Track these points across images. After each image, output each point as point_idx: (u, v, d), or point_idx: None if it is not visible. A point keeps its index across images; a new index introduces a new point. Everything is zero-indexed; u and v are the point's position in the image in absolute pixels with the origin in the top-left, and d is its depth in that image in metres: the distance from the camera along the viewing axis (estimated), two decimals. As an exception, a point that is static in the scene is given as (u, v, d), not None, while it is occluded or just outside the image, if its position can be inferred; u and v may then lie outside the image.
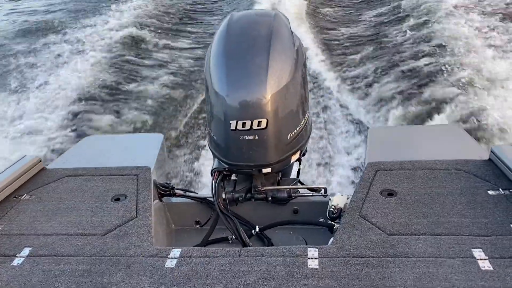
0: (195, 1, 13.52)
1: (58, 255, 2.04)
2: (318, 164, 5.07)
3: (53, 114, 6.79)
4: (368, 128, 5.08)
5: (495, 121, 4.99)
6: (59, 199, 2.49)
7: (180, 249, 2.00)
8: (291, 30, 2.63)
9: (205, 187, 4.24)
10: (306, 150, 2.88)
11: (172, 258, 1.96)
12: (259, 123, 2.38)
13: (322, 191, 2.73)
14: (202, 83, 6.49)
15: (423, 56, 7.76)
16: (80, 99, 7.15)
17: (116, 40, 9.48)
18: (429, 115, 5.88)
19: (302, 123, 2.62)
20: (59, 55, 8.93)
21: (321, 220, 2.58)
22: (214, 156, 2.70)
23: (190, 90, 7.62)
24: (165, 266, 1.91)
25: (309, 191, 2.87)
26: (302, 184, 2.99)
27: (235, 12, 2.76)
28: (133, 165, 2.76)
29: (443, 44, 7.87)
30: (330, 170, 4.97)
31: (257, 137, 2.41)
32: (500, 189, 2.25)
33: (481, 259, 1.80)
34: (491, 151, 2.51)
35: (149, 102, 7.13)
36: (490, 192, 2.23)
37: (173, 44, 10.00)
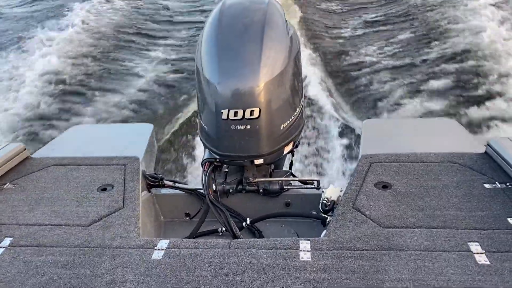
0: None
1: (40, 246, 1.96)
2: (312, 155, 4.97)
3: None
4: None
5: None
6: (43, 189, 2.41)
7: (167, 241, 1.94)
8: (285, 18, 2.56)
9: (195, 179, 4.16)
10: (299, 142, 2.82)
11: (159, 249, 1.89)
12: (251, 113, 2.31)
13: (315, 183, 2.68)
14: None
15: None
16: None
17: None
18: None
19: (295, 113, 2.55)
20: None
21: (314, 212, 2.53)
22: (205, 146, 2.63)
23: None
24: (152, 258, 1.84)
25: (301, 184, 2.82)
26: (294, 176, 2.94)
27: None
28: (121, 155, 2.68)
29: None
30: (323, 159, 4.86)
31: (249, 127, 2.34)
32: (497, 182, 2.20)
33: (477, 253, 1.75)
34: (488, 144, 2.46)
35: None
36: (486, 186, 2.19)
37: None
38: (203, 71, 2.38)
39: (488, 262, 1.70)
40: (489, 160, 2.40)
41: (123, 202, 2.25)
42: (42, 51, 8.56)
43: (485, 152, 2.47)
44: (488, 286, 1.59)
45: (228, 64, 2.32)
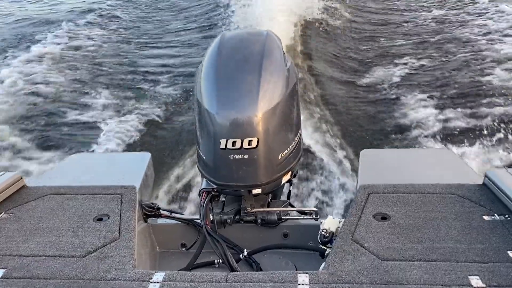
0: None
1: (34, 278, 1.91)
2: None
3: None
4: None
5: None
6: (38, 219, 2.38)
7: (163, 273, 1.90)
8: (283, 50, 2.60)
9: (192, 209, 4.13)
10: (297, 171, 2.81)
11: (154, 282, 1.85)
12: (249, 142, 2.32)
13: (313, 214, 2.66)
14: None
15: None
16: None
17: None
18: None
19: (293, 143, 2.56)
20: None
21: (312, 244, 2.50)
22: (203, 176, 2.62)
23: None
24: None
25: (299, 214, 2.79)
26: (292, 206, 2.92)
27: (226, 31, 2.73)
28: (118, 184, 2.67)
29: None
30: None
31: (247, 156, 2.34)
32: (496, 214, 2.19)
33: (478, 287, 1.72)
34: (485, 176, 2.46)
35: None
36: (485, 217, 2.17)
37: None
38: (202, 101, 2.40)
39: None
40: (487, 192, 2.39)
41: (119, 233, 2.22)
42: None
43: (483, 183, 2.47)
44: None
45: (227, 95, 2.35)
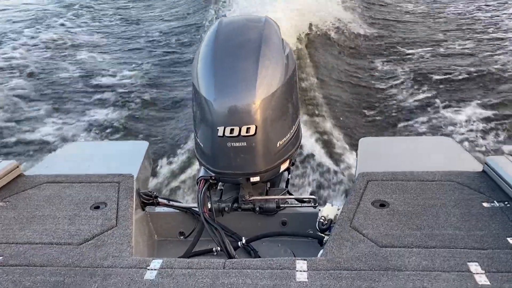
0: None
1: (30, 265, 1.90)
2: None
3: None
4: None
5: None
6: (35, 207, 2.36)
7: (161, 260, 1.89)
8: (281, 36, 2.57)
9: (190, 197, 4.11)
10: (295, 160, 2.80)
11: (152, 269, 1.84)
12: (247, 130, 2.29)
13: (312, 201, 2.65)
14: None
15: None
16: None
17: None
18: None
19: (292, 130, 2.54)
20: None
21: (310, 232, 2.49)
22: (201, 164, 2.60)
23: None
24: (144, 278, 1.79)
25: (298, 202, 2.78)
26: (291, 194, 2.90)
27: (224, 17, 2.69)
28: (115, 172, 2.65)
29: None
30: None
31: (245, 144, 2.32)
32: (495, 201, 2.18)
33: (477, 273, 1.71)
34: (485, 163, 2.45)
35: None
36: (485, 204, 2.16)
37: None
38: (199, 88, 2.37)
39: (488, 283, 1.66)
40: (487, 179, 2.38)
41: (116, 221, 2.21)
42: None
43: (483, 171, 2.45)
44: None
45: (224, 81, 2.32)
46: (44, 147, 5.80)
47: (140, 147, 3.04)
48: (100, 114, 6.76)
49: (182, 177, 4.52)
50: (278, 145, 2.45)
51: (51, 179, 2.62)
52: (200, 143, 2.50)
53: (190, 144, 5.20)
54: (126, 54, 9.77)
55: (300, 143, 2.71)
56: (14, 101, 7.50)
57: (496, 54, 8.56)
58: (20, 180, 2.63)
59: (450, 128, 5.85)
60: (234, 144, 2.32)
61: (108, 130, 6.01)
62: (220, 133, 2.31)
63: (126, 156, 2.95)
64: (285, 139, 2.49)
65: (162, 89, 7.79)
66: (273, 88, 2.33)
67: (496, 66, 7.97)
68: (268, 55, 2.37)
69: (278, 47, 2.46)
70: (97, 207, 2.33)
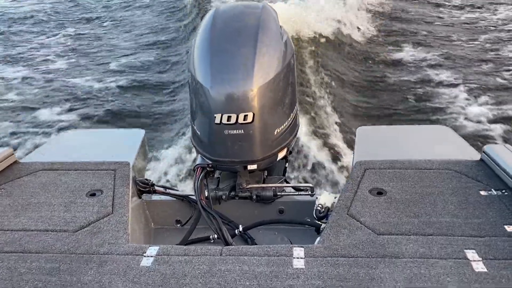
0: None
1: (25, 252, 1.89)
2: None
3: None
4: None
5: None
6: (30, 194, 2.34)
7: (157, 247, 1.88)
8: (279, 23, 2.54)
9: (187, 187, 4.09)
10: (293, 148, 2.78)
11: (148, 256, 1.83)
12: (245, 117, 2.28)
13: (309, 190, 2.64)
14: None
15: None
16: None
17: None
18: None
19: (289, 118, 2.52)
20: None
21: (308, 219, 2.48)
22: (197, 152, 2.58)
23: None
24: (141, 264, 1.78)
25: (295, 190, 2.78)
26: (288, 182, 2.90)
27: (220, 4, 2.66)
28: (111, 160, 2.63)
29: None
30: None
31: (242, 131, 2.31)
32: (493, 189, 2.18)
33: (474, 260, 1.71)
34: (483, 151, 2.44)
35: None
36: (482, 193, 2.16)
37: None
38: (196, 75, 2.35)
39: (485, 270, 1.66)
40: (484, 167, 2.37)
41: (112, 208, 2.19)
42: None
43: (481, 159, 2.45)
44: None
45: (221, 68, 2.29)
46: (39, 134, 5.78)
47: (136, 134, 3.02)
48: (95, 103, 6.70)
49: (179, 166, 4.50)
50: (275, 132, 2.43)
51: (46, 167, 2.60)
52: (197, 131, 2.48)
53: (187, 132, 5.17)
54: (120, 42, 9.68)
55: (297, 131, 2.70)
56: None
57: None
58: (15, 167, 2.61)
59: (448, 117, 5.85)
60: (231, 132, 2.30)
61: (104, 119, 5.97)
62: (217, 121, 2.29)
63: (122, 144, 2.93)
64: (282, 126, 2.47)
65: (158, 76, 7.71)
66: (271, 75, 2.30)
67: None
68: (266, 41, 2.34)
69: (276, 34, 2.44)
70: (93, 194, 2.31)
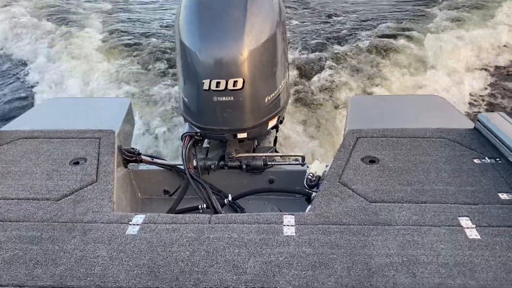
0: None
1: (5, 220, 1.81)
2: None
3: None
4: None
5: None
6: (10, 162, 2.25)
7: (143, 216, 1.82)
8: None
9: (175, 156, 4.00)
10: (284, 117, 2.72)
11: (134, 225, 1.77)
12: (234, 83, 2.19)
13: (300, 159, 2.59)
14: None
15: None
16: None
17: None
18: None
19: (280, 86, 2.45)
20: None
21: (298, 188, 2.44)
22: (185, 120, 2.50)
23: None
24: (126, 233, 1.72)
25: (285, 160, 2.72)
26: (278, 152, 2.84)
27: None
28: (96, 128, 2.54)
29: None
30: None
31: (232, 98, 2.23)
32: (486, 157, 2.14)
33: (468, 228, 1.68)
34: (477, 120, 2.40)
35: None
36: (476, 161, 2.12)
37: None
38: (182, 38, 2.25)
39: (479, 237, 1.63)
40: (478, 136, 2.33)
41: (96, 176, 2.12)
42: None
43: (475, 128, 2.41)
44: (479, 261, 1.53)
45: (210, 31, 2.19)
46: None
47: (121, 103, 2.92)
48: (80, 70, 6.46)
49: (166, 136, 4.40)
50: (266, 100, 2.36)
51: (27, 135, 2.50)
52: (185, 98, 2.39)
53: (174, 101, 5.02)
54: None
55: (288, 99, 2.63)
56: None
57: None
58: None
59: (440, 87, 5.77)
60: (221, 99, 2.22)
61: (89, 87, 5.76)
62: (205, 87, 2.20)
63: (107, 113, 2.83)
64: (273, 94, 2.39)
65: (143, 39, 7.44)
66: (261, 39, 2.21)
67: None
68: (257, 3, 2.24)
69: None
70: (77, 163, 2.23)
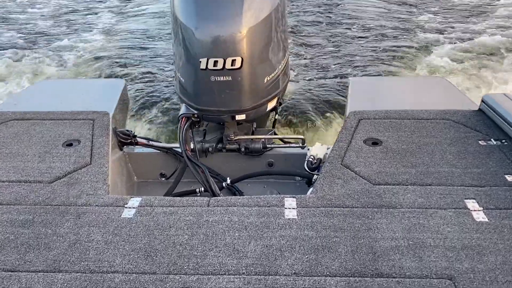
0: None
1: None
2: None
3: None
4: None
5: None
6: (1, 144, 2.18)
7: (140, 199, 1.76)
8: None
9: (170, 140, 3.92)
10: (283, 99, 2.64)
11: (130, 208, 1.71)
12: (232, 62, 2.11)
13: (300, 142, 2.53)
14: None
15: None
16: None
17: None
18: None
19: (280, 66, 2.36)
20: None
21: (299, 171, 2.38)
22: (182, 101, 2.42)
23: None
24: (122, 216, 1.66)
25: (285, 142, 2.66)
26: (277, 135, 2.77)
27: None
28: (90, 109, 2.46)
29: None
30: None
31: (230, 78, 2.15)
32: (492, 139, 2.09)
33: (475, 210, 1.63)
34: (482, 101, 2.34)
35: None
36: (481, 142, 2.07)
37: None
38: (178, 15, 2.16)
39: (486, 220, 1.59)
40: (483, 117, 2.28)
41: (90, 158, 2.05)
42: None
43: (479, 109, 2.35)
44: (487, 244, 1.48)
45: (207, 7, 2.10)
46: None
47: (116, 84, 2.83)
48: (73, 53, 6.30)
49: (162, 119, 4.30)
50: (265, 80, 2.28)
51: (18, 116, 2.41)
52: (181, 78, 2.31)
53: (171, 81, 4.89)
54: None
55: (288, 80, 2.55)
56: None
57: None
58: None
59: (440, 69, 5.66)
60: (218, 79, 2.15)
61: (82, 69, 5.62)
62: (202, 66, 2.12)
63: (101, 94, 2.74)
64: (273, 74, 2.31)
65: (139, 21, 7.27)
66: (261, 15, 2.13)
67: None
68: None
69: None
70: (70, 145, 2.16)
